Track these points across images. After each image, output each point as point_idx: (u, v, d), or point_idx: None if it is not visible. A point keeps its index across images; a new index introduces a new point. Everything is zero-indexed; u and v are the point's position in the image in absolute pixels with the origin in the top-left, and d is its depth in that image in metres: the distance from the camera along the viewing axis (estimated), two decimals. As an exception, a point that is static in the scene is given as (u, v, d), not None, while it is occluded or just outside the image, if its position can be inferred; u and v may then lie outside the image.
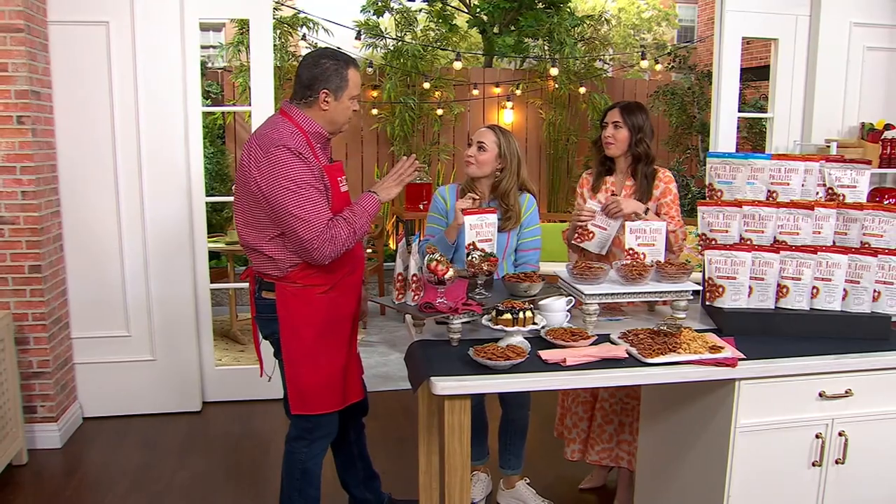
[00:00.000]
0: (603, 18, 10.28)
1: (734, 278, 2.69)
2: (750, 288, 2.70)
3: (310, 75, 2.68)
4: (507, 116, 8.91)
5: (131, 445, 4.12)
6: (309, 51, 2.88)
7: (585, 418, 3.37)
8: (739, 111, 5.00)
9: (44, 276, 3.94)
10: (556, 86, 8.79)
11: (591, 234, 3.10)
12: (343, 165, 2.86)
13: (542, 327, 2.52)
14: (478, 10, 10.96)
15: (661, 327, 2.52)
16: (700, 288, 2.80)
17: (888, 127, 4.75)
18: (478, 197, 3.07)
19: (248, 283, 2.92)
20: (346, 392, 2.89)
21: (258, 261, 2.74)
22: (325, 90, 2.67)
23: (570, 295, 2.71)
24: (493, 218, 2.87)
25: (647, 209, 3.06)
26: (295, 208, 2.55)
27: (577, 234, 3.12)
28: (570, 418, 3.42)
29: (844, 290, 2.66)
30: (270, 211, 2.59)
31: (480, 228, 2.82)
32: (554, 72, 8.52)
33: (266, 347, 2.96)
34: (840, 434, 2.48)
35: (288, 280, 2.71)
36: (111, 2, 4.16)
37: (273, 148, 2.56)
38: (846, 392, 2.46)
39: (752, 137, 8.53)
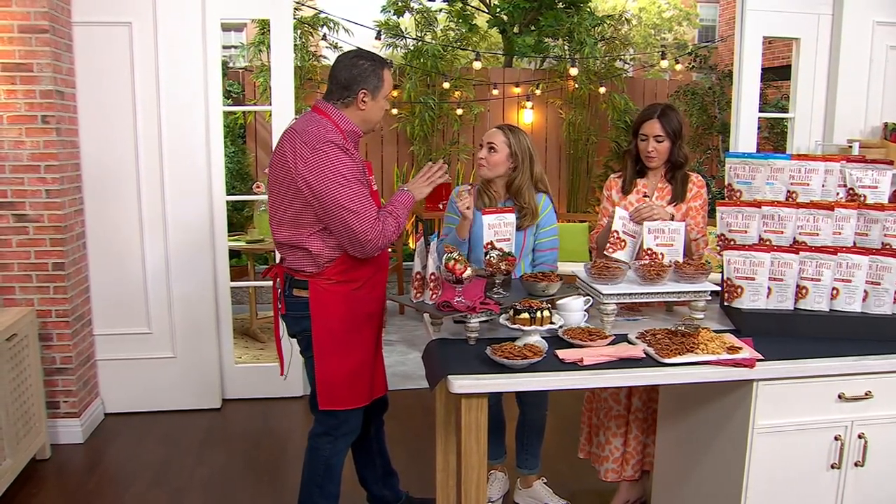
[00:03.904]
0: (623, 18, 10.25)
1: (753, 279, 2.68)
2: (769, 289, 2.68)
3: (348, 76, 2.73)
4: (527, 116, 8.91)
5: (152, 441, 4.17)
6: (343, 52, 2.94)
7: (620, 434, 3.24)
8: (760, 111, 4.97)
9: (67, 274, 3.99)
10: (576, 86, 8.77)
11: (623, 243, 2.96)
12: (371, 165, 2.90)
13: (560, 327, 2.52)
14: (498, 9, 10.97)
15: (679, 327, 2.51)
16: (718, 288, 2.79)
17: (911, 127, 4.71)
18: (470, 187, 3.08)
19: (271, 282, 2.94)
20: (372, 387, 2.92)
21: (294, 257, 2.77)
22: (363, 90, 2.73)
23: (588, 294, 2.71)
24: (511, 217, 2.88)
25: (673, 217, 2.97)
26: (347, 202, 2.59)
27: (609, 245, 2.96)
28: (602, 435, 3.28)
29: (865, 291, 2.64)
30: (319, 206, 2.62)
31: (499, 228, 2.83)
32: (574, 72, 8.50)
33: (287, 346, 2.98)
34: (859, 436, 2.47)
35: (322, 276, 2.73)
36: (134, 2, 4.20)
37: (320, 144, 2.61)
38: (866, 394, 2.44)
39: (774, 138, 8.48)
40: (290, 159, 2.64)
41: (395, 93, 8.63)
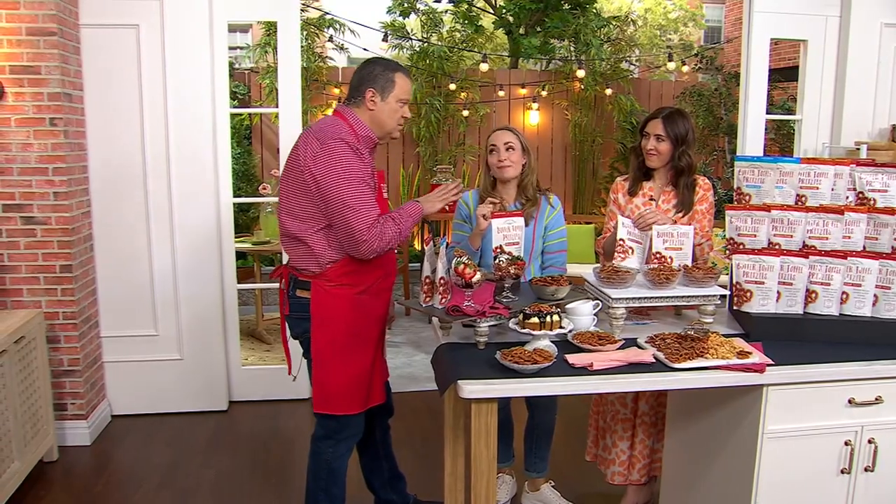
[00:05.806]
0: (629, 19, 10.22)
1: (762, 283, 2.67)
2: (778, 293, 2.67)
3: (359, 77, 2.81)
4: (533, 118, 8.90)
5: (159, 443, 4.17)
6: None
7: (627, 437, 3.23)
8: (767, 113, 4.95)
9: (74, 276, 4.00)
10: (582, 87, 8.75)
11: (631, 250, 2.93)
12: (385, 174, 2.90)
13: (570, 331, 2.51)
14: (504, 11, 10.96)
15: (689, 332, 2.50)
16: (727, 292, 2.78)
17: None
18: (497, 201, 3.07)
19: (277, 283, 2.95)
20: (369, 395, 2.91)
21: (298, 254, 2.77)
22: (371, 89, 2.76)
23: (597, 299, 2.71)
24: (520, 221, 2.88)
25: (674, 223, 2.95)
26: (349, 199, 2.61)
27: (617, 254, 2.93)
28: (609, 438, 3.27)
29: (875, 295, 2.63)
30: (322, 202, 2.64)
31: (508, 232, 2.83)
32: (580, 73, 8.49)
33: (294, 346, 2.99)
34: (869, 441, 2.46)
35: (324, 278, 2.73)
36: (141, 5, 4.21)
37: (331, 140, 2.64)
38: (876, 399, 2.43)
39: (780, 139, 8.45)
40: (301, 153, 2.68)
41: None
